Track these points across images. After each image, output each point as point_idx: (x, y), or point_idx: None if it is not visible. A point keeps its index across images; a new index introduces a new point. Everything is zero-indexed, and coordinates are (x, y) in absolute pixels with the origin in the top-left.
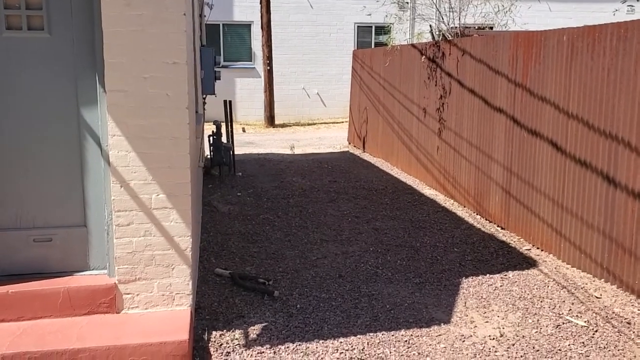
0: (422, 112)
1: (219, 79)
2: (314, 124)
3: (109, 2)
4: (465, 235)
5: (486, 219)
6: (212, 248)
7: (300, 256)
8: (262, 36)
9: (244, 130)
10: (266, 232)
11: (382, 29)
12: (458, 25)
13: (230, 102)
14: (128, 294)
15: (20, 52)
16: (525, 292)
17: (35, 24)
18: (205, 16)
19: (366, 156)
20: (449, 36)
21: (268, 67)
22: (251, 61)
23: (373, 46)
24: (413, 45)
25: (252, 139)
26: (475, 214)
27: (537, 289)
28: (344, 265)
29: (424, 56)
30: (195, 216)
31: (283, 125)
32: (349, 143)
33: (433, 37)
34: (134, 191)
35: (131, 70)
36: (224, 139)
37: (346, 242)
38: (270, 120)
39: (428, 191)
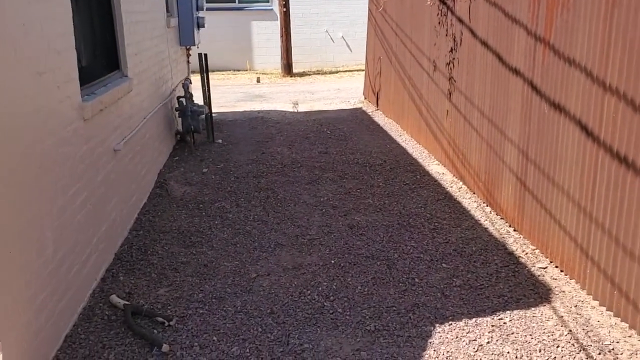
0: (431, 66)
1: (203, 27)
2: (337, 71)
3: None
4: (464, 239)
5: (497, 214)
6: (128, 256)
7: (237, 272)
8: None
9: (258, 81)
10: (212, 230)
11: None
12: None
13: (205, 55)
14: None
15: None
16: (522, 356)
17: None
18: None
19: (378, 116)
20: None
21: (284, 9)
22: (268, 2)
23: None
24: None
25: (263, 91)
26: (484, 204)
27: (541, 350)
28: (285, 292)
29: None
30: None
31: (302, 74)
32: (365, 97)
33: None
34: None
35: None
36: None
37: (306, 249)
38: (288, 68)
39: (435, 167)
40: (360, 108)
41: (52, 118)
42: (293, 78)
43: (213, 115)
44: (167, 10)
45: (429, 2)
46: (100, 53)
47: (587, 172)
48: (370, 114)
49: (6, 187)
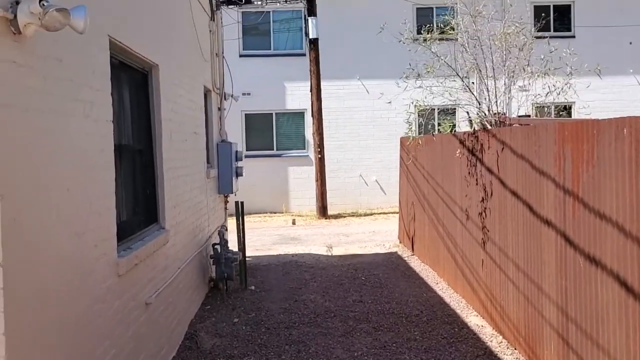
0: (464, 215)
1: (241, 175)
2: (372, 214)
3: None
4: None
5: None
6: None
7: None
8: (313, 124)
9: (293, 223)
10: None
11: (445, 112)
12: (500, 111)
13: (242, 203)
14: None
15: None
16: None
17: None
18: (225, 109)
19: (413, 261)
20: (488, 125)
21: (319, 156)
22: (304, 149)
23: (437, 130)
24: (453, 134)
25: (298, 234)
26: None
27: None
28: None
29: (464, 147)
30: None
31: (337, 216)
32: (400, 241)
33: (471, 125)
34: None
35: None
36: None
37: None
38: (323, 211)
39: (473, 319)
40: (396, 252)
41: (88, 277)
42: (328, 220)
43: (247, 259)
44: (208, 162)
45: (458, 154)
46: (140, 208)
47: (633, 335)
48: (405, 259)
49: (39, 350)
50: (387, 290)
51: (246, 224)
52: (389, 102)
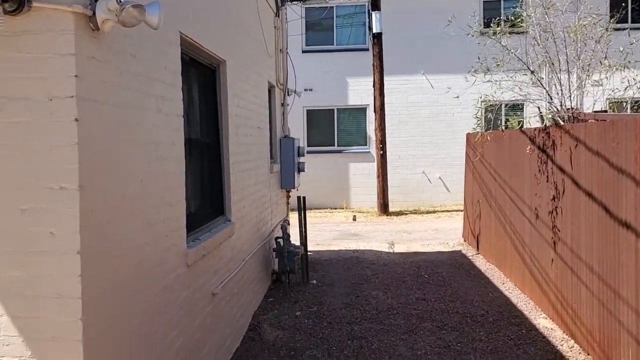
0: (533, 214)
1: (303, 171)
2: (435, 211)
3: None
4: None
5: None
6: None
7: None
8: (375, 119)
9: (354, 219)
10: None
11: (513, 107)
12: (573, 107)
13: (304, 198)
14: None
15: None
16: None
17: None
18: (288, 105)
19: (478, 260)
20: (560, 120)
21: (381, 152)
22: (366, 145)
23: (503, 127)
24: (522, 131)
25: (359, 230)
26: None
27: None
28: None
29: (534, 144)
30: None
31: (399, 213)
32: (464, 240)
33: (542, 121)
34: None
35: (1, 200)
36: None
37: None
38: (384, 207)
39: (542, 322)
40: (460, 251)
41: (158, 266)
42: (389, 217)
43: (309, 254)
44: (271, 157)
45: (527, 150)
46: (207, 200)
47: None
48: (470, 257)
49: (113, 336)
50: (451, 288)
51: (307, 219)
52: (457, 97)
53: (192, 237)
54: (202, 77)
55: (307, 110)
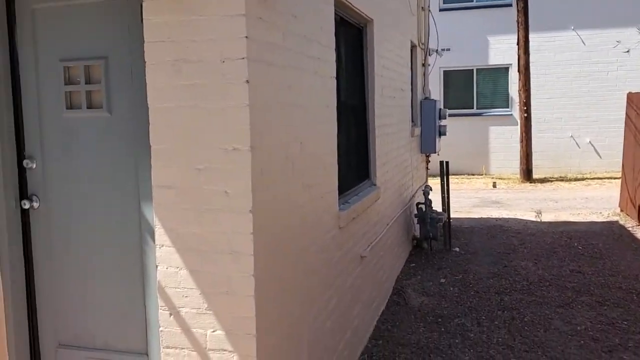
0: None
1: (444, 135)
2: (584, 179)
3: (155, 68)
4: None
5: None
6: None
7: None
8: (519, 80)
9: (494, 186)
10: (452, 350)
11: None
12: None
13: (447, 163)
14: None
15: (80, 133)
16: None
17: (95, 101)
18: (429, 65)
19: None
20: None
21: (525, 114)
22: (508, 107)
23: None
24: None
25: (500, 197)
26: None
27: None
28: None
29: None
30: None
31: (543, 180)
32: (621, 210)
33: None
34: (185, 323)
35: (180, 159)
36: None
37: None
38: (527, 174)
39: None
40: (617, 222)
41: (316, 227)
42: (532, 184)
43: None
44: (412, 120)
45: None
46: (353, 164)
47: None
48: (630, 229)
49: (279, 293)
50: (609, 262)
51: (449, 188)
52: (627, 51)
53: (342, 200)
54: (349, 37)
55: (444, 71)
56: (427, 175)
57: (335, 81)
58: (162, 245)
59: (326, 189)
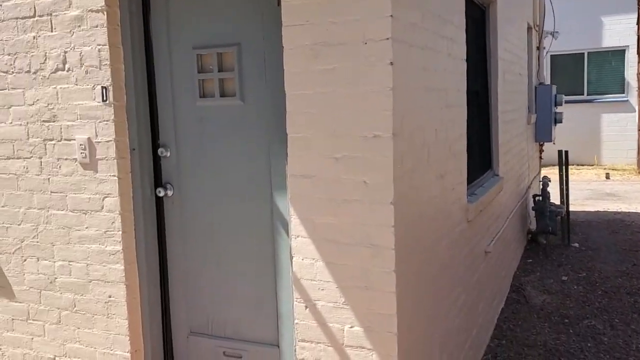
0: None
1: (560, 122)
2: None
3: (292, 53)
4: None
5: None
6: None
7: None
8: (639, 63)
9: (607, 177)
10: (584, 354)
11: None
12: None
13: (566, 152)
14: None
15: (213, 122)
16: None
17: (228, 89)
18: (544, 48)
19: None
20: None
21: None
22: (623, 93)
23: None
24: None
25: (615, 189)
26: None
27: None
28: None
29: None
30: None
31: None
32: None
33: None
34: (321, 316)
35: (317, 148)
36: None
37: None
38: None
39: None
40: None
41: (447, 219)
42: None
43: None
44: (527, 107)
45: None
46: (476, 152)
47: None
48: None
49: (416, 289)
50: None
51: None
52: None
53: (468, 192)
54: (473, 18)
55: (552, 55)
56: (540, 165)
57: (465, 64)
58: (298, 236)
59: (457, 179)
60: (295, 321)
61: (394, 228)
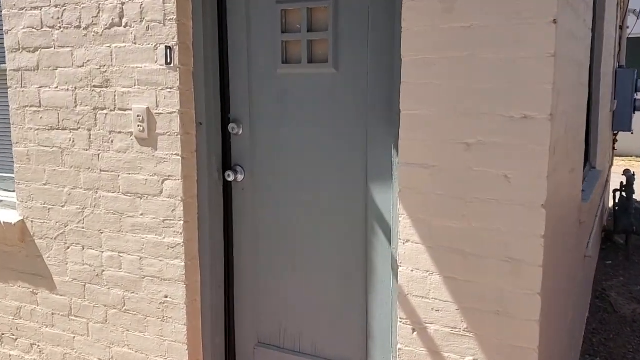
0: None
1: (639, 110)
2: None
3: (415, 6)
4: None
5: None
6: None
7: None
8: None
9: None
10: None
11: None
12: None
13: None
14: None
15: (297, 94)
16: None
17: (317, 54)
18: (628, 27)
19: None
20: None
21: None
22: None
23: None
24: None
25: None
26: None
27: None
28: None
29: None
30: None
31: None
32: None
33: None
34: (434, 343)
35: (442, 131)
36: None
37: None
38: None
39: None
40: None
41: (566, 221)
42: None
43: None
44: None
45: None
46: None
47: None
48: None
49: (554, 314)
50: None
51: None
52: None
53: None
54: None
55: (627, 38)
56: (613, 157)
57: (591, 35)
58: (407, 241)
59: (579, 174)
60: (398, 346)
61: (544, 239)
